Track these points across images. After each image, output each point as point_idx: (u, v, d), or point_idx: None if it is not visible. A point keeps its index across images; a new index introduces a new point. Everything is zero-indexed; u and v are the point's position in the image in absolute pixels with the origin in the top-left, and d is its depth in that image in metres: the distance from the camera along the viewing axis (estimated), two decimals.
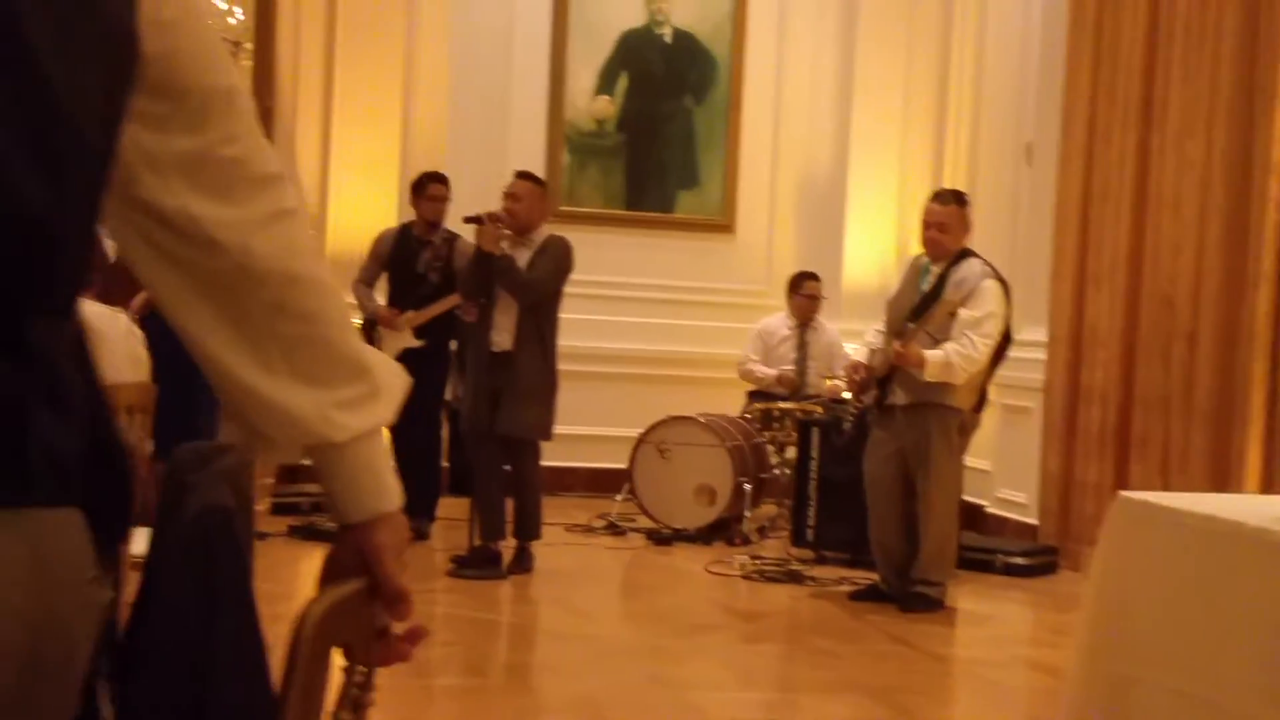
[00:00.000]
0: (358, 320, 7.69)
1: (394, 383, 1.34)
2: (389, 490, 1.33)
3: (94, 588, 1.10)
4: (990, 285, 6.17)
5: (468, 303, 6.88)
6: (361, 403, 1.29)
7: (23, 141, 0.99)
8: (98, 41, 1.08)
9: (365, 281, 7.65)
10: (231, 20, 9.59)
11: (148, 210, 1.19)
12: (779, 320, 8.85)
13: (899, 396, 6.21)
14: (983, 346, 6.08)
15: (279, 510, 7.39)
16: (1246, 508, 3.77)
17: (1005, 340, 6.31)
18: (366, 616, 1.36)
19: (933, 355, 5.99)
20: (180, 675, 1.52)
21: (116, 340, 3.24)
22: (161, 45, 1.15)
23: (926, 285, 6.30)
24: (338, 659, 1.36)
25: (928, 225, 6.33)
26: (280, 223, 1.24)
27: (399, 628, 1.38)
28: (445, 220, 7.58)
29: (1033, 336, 7.76)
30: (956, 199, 6.45)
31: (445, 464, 7.91)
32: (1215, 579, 3.60)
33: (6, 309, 0.99)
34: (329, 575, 1.34)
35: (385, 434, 1.46)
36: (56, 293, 1.07)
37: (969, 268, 6.23)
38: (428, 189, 7.60)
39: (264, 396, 1.24)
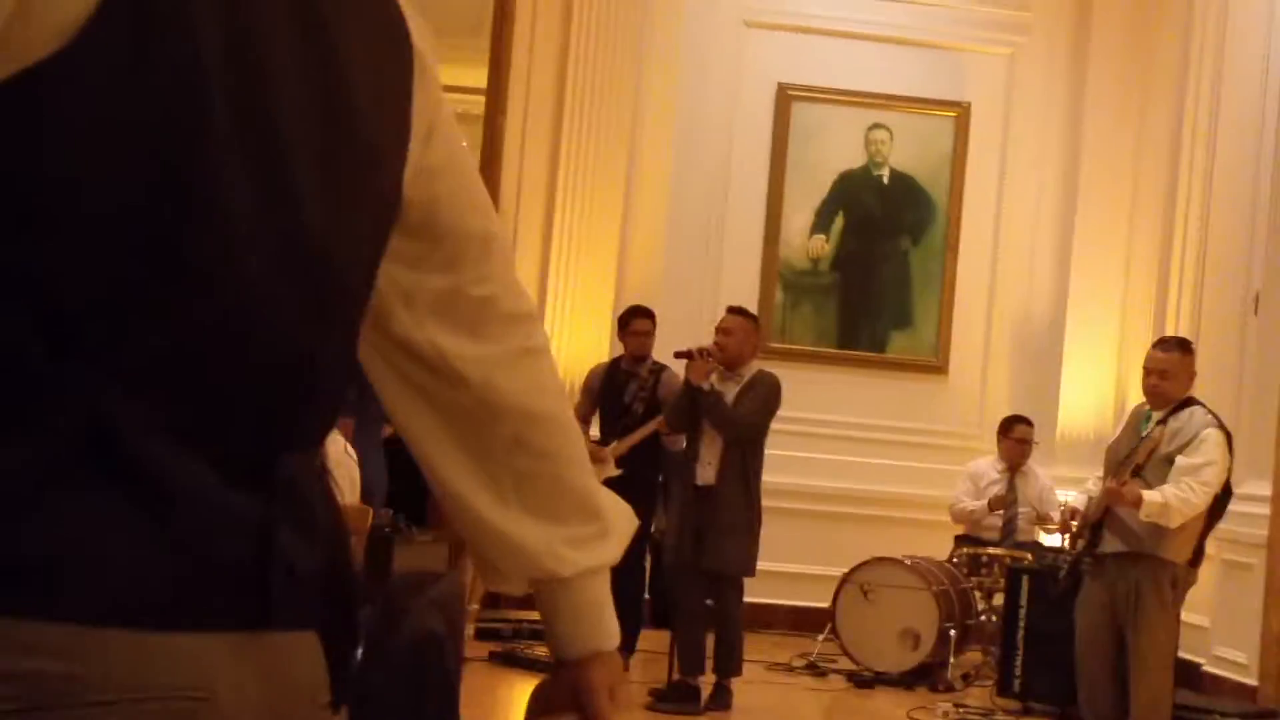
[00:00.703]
0: None
1: (623, 524, 1.37)
2: (609, 629, 1.35)
3: (325, 714, 1.12)
4: (1211, 434, 6.02)
5: (672, 430, 6.98)
6: (590, 541, 1.32)
7: (292, 289, 1.04)
8: (370, 192, 1.13)
9: (580, 417, 7.81)
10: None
11: (399, 343, 1.24)
12: (988, 464, 8.72)
13: (1111, 544, 6.06)
14: (1201, 493, 5.90)
15: (482, 636, 7.50)
16: None
17: (1225, 493, 6.11)
18: None
19: (1149, 495, 5.85)
20: None
21: (336, 462, 3.39)
22: (425, 190, 1.20)
23: (1145, 432, 6.18)
24: None
25: (1149, 372, 6.23)
26: (525, 361, 1.28)
27: None
28: (650, 353, 7.71)
29: (1256, 490, 7.48)
30: (1180, 346, 6.34)
31: (647, 596, 7.96)
32: None
33: (264, 444, 1.04)
34: (540, 708, 1.36)
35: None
36: (311, 428, 1.11)
37: (1190, 416, 6.09)
38: (631, 324, 7.77)
39: (496, 528, 1.28)
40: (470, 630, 7.46)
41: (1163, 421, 6.12)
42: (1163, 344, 6.43)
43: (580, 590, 1.32)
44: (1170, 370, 6.17)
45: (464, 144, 1.28)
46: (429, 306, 1.23)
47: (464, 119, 10.35)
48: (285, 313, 1.04)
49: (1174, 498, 5.84)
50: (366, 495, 5.88)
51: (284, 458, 1.06)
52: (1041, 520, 8.34)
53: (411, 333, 1.23)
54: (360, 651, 1.52)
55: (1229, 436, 6.09)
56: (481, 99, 9.37)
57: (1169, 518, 5.85)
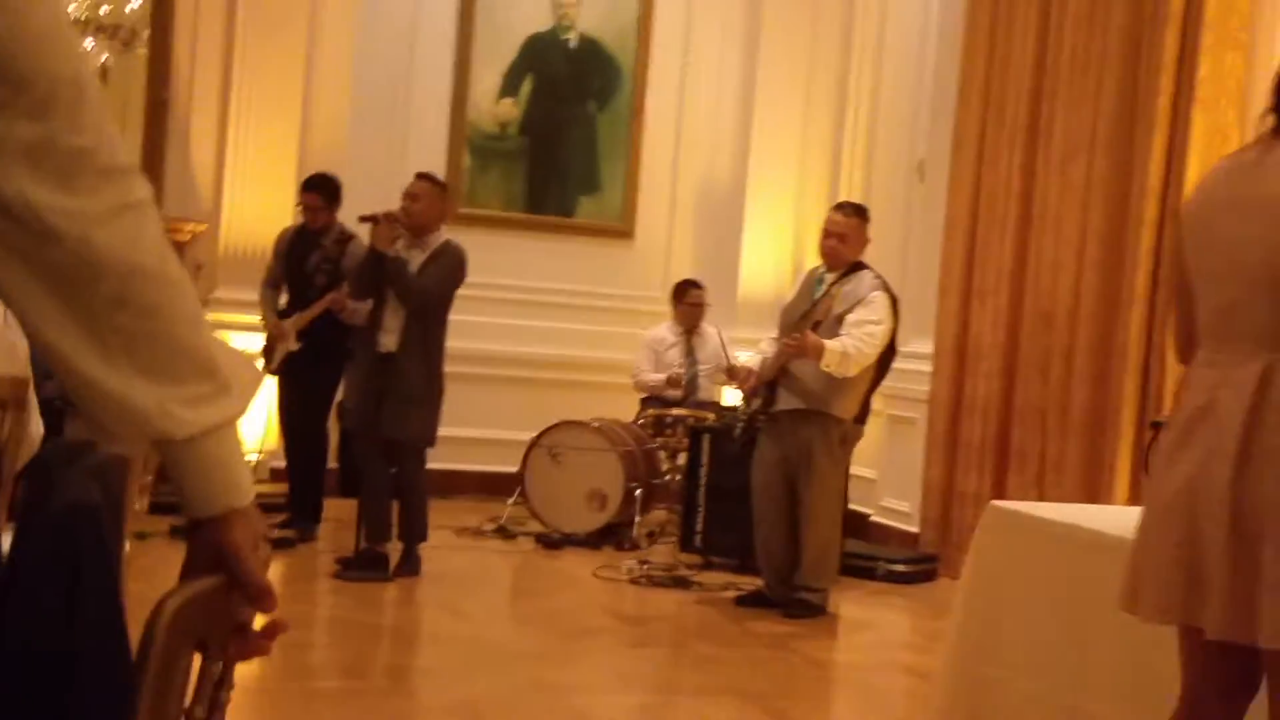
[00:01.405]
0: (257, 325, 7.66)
1: (246, 377, 1.34)
2: (241, 485, 1.33)
3: None
4: (879, 296, 6.33)
5: (350, 304, 6.90)
6: (208, 399, 1.28)
7: None
8: None
9: (270, 283, 7.63)
10: (127, 8, 9.48)
11: None
12: (665, 329, 8.95)
13: (785, 401, 6.34)
14: (871, 345, 6.23)
15: (159, 509, 7.27)
16: (1109, 518, 3.93)
17: (890, 353, 6.46)
18: (223, 612, 1.35)
19: (830, 344, 6.12)
20: (42, 671, 1.53)
21: None
22: (4, 27, 1.12)
23: (819, 294, 6.44)
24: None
25: (828, 234, 6.47)
26: (126, 215, 1.22)
27: (258, 623, 1.38)
28: (322, 225, 7.53)
29: (919, 349, 7.93)
30: (858, 211, 6.61)
31: (334, 465, 7.89)
32: (1077, 586, 3.75)
33: None
34: (186, 572, 1.33)
35: (247, 429, 1.41)
36: None
37: (861, 279, 6.39)
38: (301, 196, 7.63)
39: (105, 389, 1.23)
40: (146, 504, 7.21)
41: (835, 283, 6.40)
42: (841, 208, 6.69)
43: (205, 449, 1.29)
44: (848, 233, 6.44)
45: None
46: (18, 157, 1.16)
47: None
48: None
49: (851, 346, 6.16)
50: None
51: None
52: (726, 375, 8.62)
53: (0, 186, 1.16)
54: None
55: (894, 300, 6.42)
56: None
57: (846, 366, 6.15)
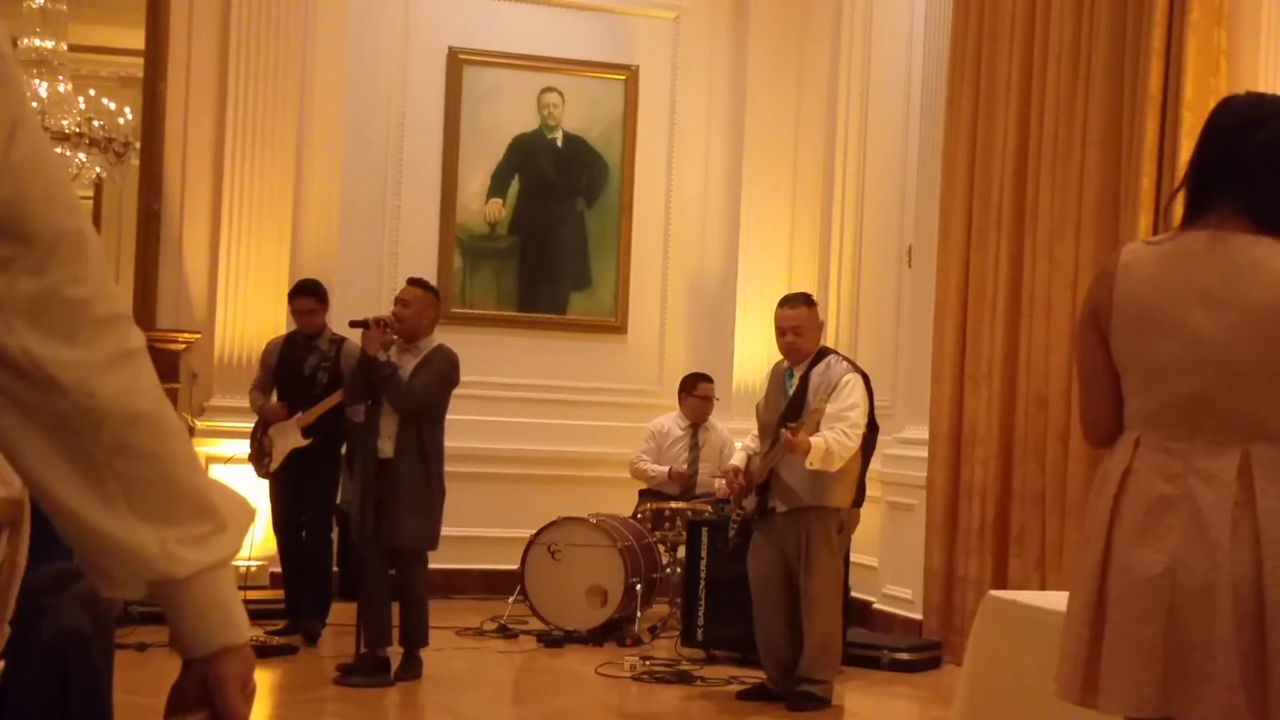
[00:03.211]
0: (249, 424, 7.70)
1: (241, 515, 1.35)
2: (236, 622, 1.34)
3: None
4: (851, 379, 6.34)
5: (350, 402, 6.93)
6: (207, 538, 1.30)
7: None
8: None
9: (259, 388, 7.70)
10: (120, 120, 9.59)
11: None
12: (671, 420, 8.90)
13: (778, 504, 6.31)
14: (853, 435, 6.23)
15: (158, 619, 7.23)
16: None
17: (872, 430, 6.45)
18: None
19: (814, 441, 6.11)
20: None
21: None
22: (9, 189, 1.15)
23: (791, 389, 6.44)
24: None
25: (782, 331, 6.47)
26: (124, 363, 1.24)
27: None
28: (319, 330, 7.62)
29: (915, 434, 7.92)
30: (805, 301, 6.62)
31: (335, 569, 7.86)
32: None
33: None
34: (174, 707, 1.34)
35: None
36: None
37: (829, 366, 6.39)
38: (294, 302, 7.68)
39: (105, 534, 1.24)
40: (144, 614, 7.14)
41: (805, 377, 6.40)
42: (789, 301, 6.66)
43: (203, 588, 1.30)
44: (803, 325, 6.45)
45: (48, 139, 1.23)
46: (19, 311, 1.18)
47: (126, 83, 9.90)
48: None
49: (833, 441, 6.14)
50: None
51: None
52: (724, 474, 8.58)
53: (1, 339, 1.18)
54: None
55: (866, 377, 6.44)
56: (141, 61, 9.01)
57: (830, 462, 6.14)
